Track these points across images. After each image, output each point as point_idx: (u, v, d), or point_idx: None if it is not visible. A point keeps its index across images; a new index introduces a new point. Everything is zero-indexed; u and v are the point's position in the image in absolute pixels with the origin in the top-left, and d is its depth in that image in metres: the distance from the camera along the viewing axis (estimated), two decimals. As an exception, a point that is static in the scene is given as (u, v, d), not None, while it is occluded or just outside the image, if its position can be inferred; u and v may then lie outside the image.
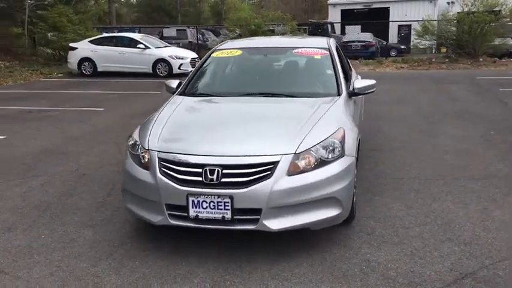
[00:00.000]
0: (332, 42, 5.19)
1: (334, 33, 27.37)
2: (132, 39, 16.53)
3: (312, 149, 3.38)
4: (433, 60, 19.88)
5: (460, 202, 4.34)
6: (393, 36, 28.58)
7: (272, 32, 20.64)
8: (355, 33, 25.09)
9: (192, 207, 3.25)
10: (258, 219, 3.22)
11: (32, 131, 7.82)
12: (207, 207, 3.22)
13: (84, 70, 16.26)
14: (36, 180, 5.18)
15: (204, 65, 4.98)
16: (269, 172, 3.22)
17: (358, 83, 4.56)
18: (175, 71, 15.78)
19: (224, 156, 3.29)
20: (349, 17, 30.55)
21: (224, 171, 3.23)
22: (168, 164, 3.37)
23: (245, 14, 21.10)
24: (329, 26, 28.12)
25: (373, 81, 4.62)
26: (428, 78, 14.91)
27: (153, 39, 17.61)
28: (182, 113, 4.15)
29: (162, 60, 15.93)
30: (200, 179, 3.25)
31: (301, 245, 3.57)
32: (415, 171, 5.27)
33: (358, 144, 4.06)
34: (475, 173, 5.16)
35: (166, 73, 15.74)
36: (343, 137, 3.59)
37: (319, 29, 27.70)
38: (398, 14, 29.37)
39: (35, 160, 6.00)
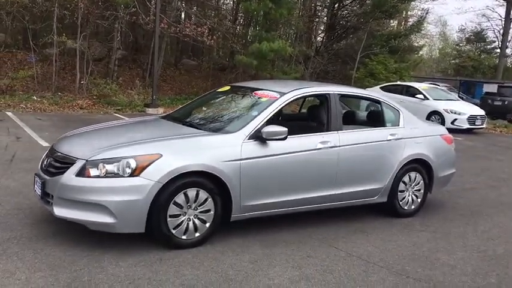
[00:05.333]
0: (303, 91, 5.11)
1: None
2: (414, 88, 16.57)
3: (105, 160, 4.04)
4: None
5: None
6: None
7: None
8: None
9: (35, 184, 4.48)
10: (52, 203, 4.15)
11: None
12: (38, 186, 4.38)
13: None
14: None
15: (201, 96, 5.83)
16: (65, 169, 4.12)
17: (268, 128, 4.50)
18: (447, 125, 14.89)
19: (56, 151, 4.39)
20: None
21: (52, 162, 4.33)
22: None
23: None
24: None
25: (283, 129, 4.47)
26: None
27: (441, 91, 17.06)
28: (120, 124, 5.33)
29: (436, 113, 15.38)
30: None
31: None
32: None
33: None
34: None
35: (438, 127, 15.11)
36: (151, 161, 4.04)
37: None
38: None
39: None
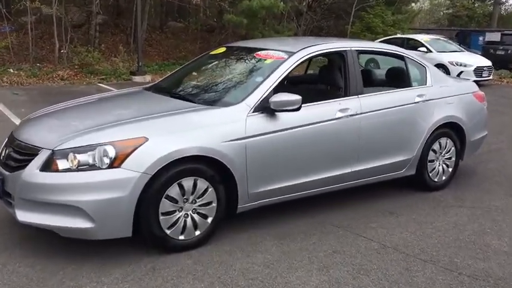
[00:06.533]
0: (315, 49, 4.20)
1: None
2: (416, 40, 15.62)
3: (76, 149, 3.18)
4: None
5: None
6: None
7: None
8: None
9: (-9, 181, 3.62)
10: (13, 205, 3.31)
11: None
12: (-3, 183, 3.53)
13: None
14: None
15: (191, 61, 4.92)
16: (27, 163, 3.26)
17: (277, 96, 3.64)
18: (453, 78, 14.09)
19: (16, 139, 3.51)
20: None
21: (12, 153, 3.47)
22: None
23: None
24: None
25: (296, 97, 3.60)
26: None
27: (444, 43, 16.12)
28: (94, 99, 4.42)
29: (441, 66, 14.46)
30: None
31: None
32: None
33: None
34: None
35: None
36: (135, 147, 3.19)
37: None
38: None
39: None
